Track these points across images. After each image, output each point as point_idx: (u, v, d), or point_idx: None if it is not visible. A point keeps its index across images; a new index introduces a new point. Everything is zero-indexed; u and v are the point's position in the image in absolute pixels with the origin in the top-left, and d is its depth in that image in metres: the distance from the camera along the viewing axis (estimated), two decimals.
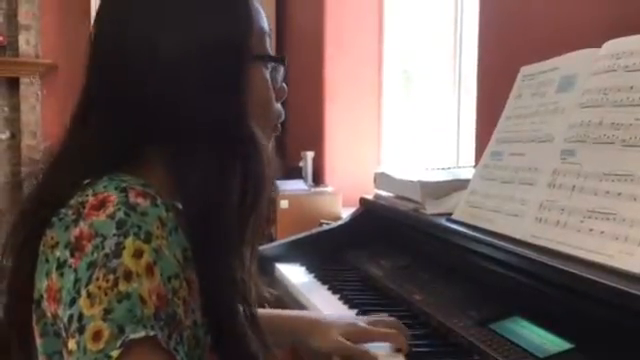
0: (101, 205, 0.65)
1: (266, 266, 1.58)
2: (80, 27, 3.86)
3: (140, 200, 0.66)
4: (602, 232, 0.93)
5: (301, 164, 3.25)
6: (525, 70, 1.34)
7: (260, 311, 0.80)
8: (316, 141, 3.37)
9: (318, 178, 3.30)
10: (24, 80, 4.18)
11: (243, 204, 0.74)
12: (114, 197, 0.66)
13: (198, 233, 0.70)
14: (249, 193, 0.74)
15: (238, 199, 0.73)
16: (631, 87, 1.01)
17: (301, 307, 1.37)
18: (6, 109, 4.25)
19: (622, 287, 0.81)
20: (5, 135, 4.26)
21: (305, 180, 3.20)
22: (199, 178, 0.71)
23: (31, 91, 4.20)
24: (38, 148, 4.14)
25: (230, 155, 0.73)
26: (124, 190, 0.66)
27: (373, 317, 1.08)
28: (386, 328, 1.02)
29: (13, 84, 4.20)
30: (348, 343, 0.99)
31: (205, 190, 0.71)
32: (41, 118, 4.21)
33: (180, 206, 0.72)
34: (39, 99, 4.22)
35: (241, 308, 0.74)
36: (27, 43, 4.17)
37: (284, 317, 1.08)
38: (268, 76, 0.80)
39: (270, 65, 0.80)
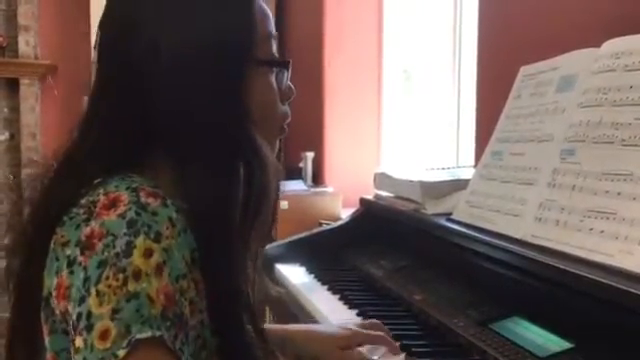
0: (112, 204, 0.66)
1: (266, 266, 1.59)
2: (79, 28, 3.86)
3: (151, 200, 0.66)
4: (602, 231, 0.93)
5: (301, 165, 3.25)
6: (525, 70, 1.34)
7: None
8: (316, 141, 3.36)
9: (318, 178, 3.30)
10: (23, 81, 4.18)
11: (246, 210, 0.74)
12: (125, 196, 0.66)
13: (202, 238, 0.70)
14: (252, 199, 0.74)
15: (242, 205, 0.73)
16: (630, 87, 1.00)
17: (301, 307, 1.38)
18: (5, 110, 4.24)
19: (622, 286, 0.81)
20: (4, 136, 4.25)
21: (305, 180, 3.20)
22: (202, 183, 0.71)
23: (30, 92, 4.20)
24: (37, 149, 4.14)
25: (232, 160, 0.74)
26: (135, 190, 0.67)
27: (359, 322, 1.09)
28: (371, 330, 1.03)
29: (13, 85, 4.20)
30: (345, 352, 1.00)
31: (207, 195, 0.71)
32: (40, 119, 4.21)
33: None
34: (38, 100, 4.22)
35: (245, 315, 0.74)
36: (27, 44, 4.16)
37: (279, 329, 1.08)
38: (273, 79, 0.80)
39: (275, 68, 0.80)
